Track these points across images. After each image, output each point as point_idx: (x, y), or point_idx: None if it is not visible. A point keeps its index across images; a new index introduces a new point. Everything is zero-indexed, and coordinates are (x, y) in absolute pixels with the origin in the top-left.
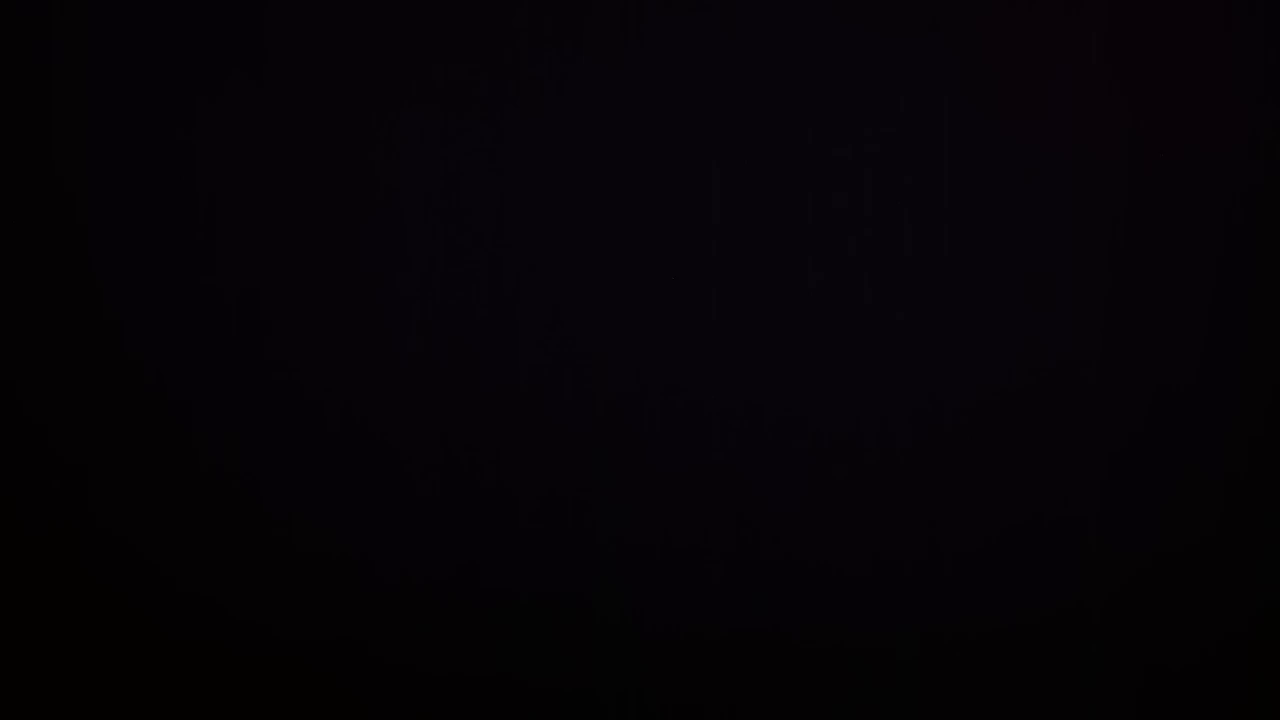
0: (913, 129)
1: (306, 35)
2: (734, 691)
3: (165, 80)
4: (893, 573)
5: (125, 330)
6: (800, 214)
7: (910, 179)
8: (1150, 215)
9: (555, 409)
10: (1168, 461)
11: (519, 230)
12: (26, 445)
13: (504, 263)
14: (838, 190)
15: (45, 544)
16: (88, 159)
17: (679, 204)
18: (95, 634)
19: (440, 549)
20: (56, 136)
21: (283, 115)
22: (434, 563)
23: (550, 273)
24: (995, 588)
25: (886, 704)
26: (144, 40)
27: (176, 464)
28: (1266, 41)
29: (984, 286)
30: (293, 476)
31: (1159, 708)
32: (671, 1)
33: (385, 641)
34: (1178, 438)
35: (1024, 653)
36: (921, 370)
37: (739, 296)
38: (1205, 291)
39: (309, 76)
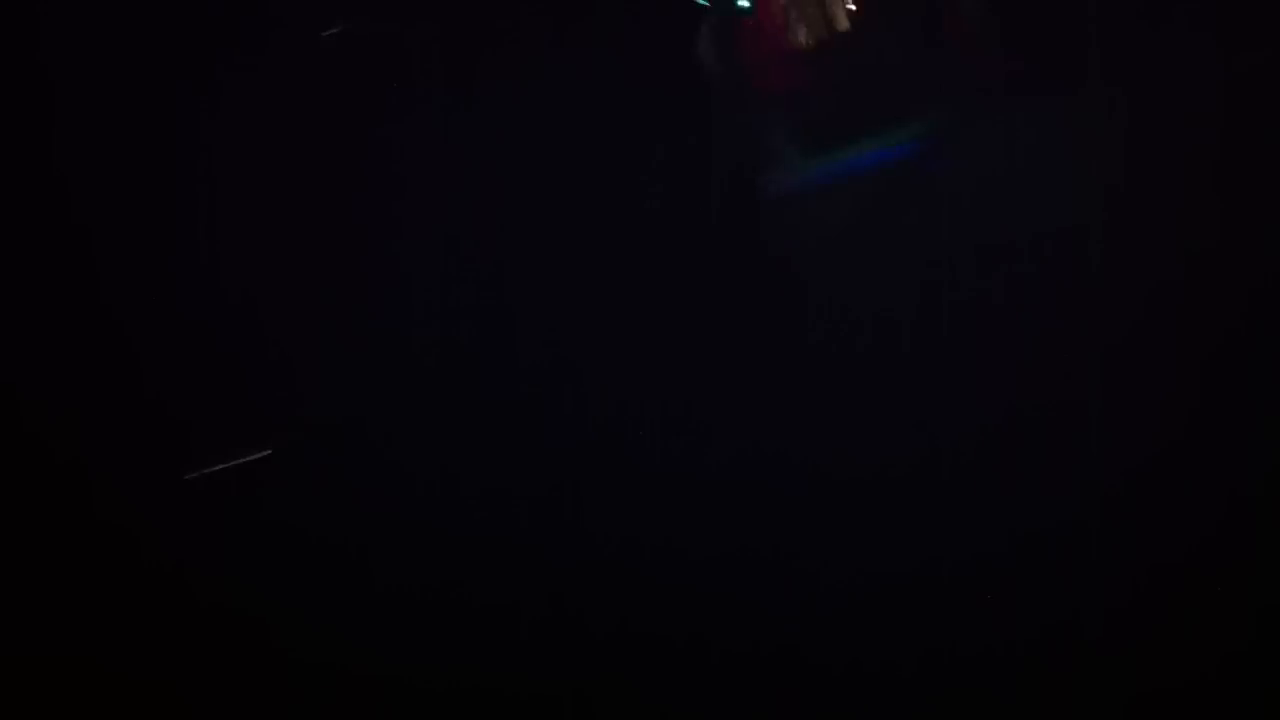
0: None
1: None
2: (730, 707)
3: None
4: (892, 591)
5: (125, 333)
6: (805, 231)
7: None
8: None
9: (553, 420)
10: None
11: (519, 237)
12: (26, 446)
13: (504, 270)
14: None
15: (45, 544)
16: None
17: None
18: (95, 633)
19: (435, 558)
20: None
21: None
22: (429, 573)
23: (550, 282)
24: (995, 607)
25: None
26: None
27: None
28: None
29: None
30: (289, 478)
31: None
32: None
33: (379, 648)
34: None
35: (1022, 672)
36: (925, 395)
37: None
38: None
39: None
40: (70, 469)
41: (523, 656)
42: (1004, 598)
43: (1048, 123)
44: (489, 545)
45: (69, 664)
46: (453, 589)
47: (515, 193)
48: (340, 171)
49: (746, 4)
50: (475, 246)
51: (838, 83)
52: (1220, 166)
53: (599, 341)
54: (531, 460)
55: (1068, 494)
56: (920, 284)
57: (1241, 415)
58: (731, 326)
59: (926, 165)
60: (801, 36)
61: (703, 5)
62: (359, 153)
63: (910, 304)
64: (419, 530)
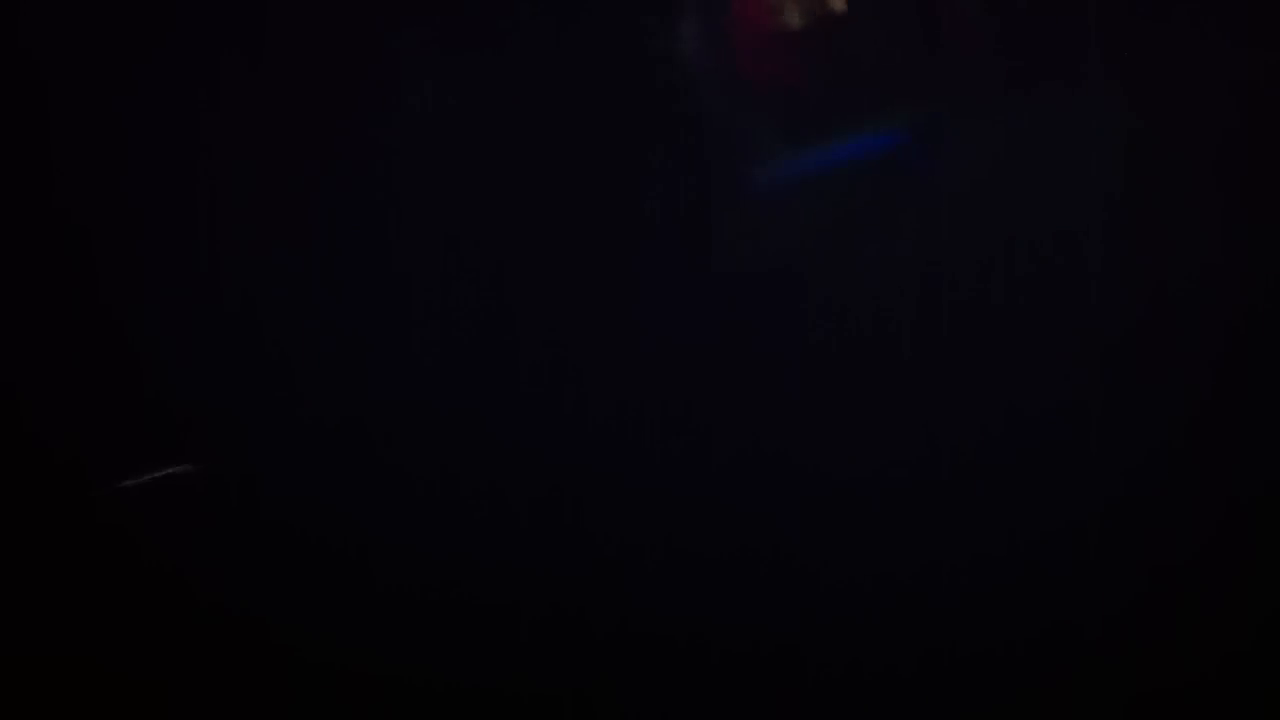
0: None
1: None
2: (731, 709)
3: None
4: (893, 592)
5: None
6: (803, 230)
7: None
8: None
9: (552, 420)
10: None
11: (517, 237)
12: (25, 441)
13: (503, 270)
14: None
15: (38, 544)
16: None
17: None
18: (89, 633)
19: (433, 558)
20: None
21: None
22: (427, 574)
23: (548, 282)
24: (996, 608)
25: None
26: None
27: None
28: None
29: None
30: (286, 479)
31: None
32: None
33: (378, 649)
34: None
35: (1022, 674)
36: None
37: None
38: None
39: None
40: (64, 468)
41: (522, 658)
42: (1006, 600)
43: (1049, 120)
44: (488, 545)
45: (63, 665)
46: (450, 590)
47: (514, 192)
48: (335, 170)
49: None
50: (473, 246)
51: (831, 71)
52: (1224, 167)
53: (597, 342)
54: (530, 460)
55: (1069, 496)
56: (920, 284)
57: (1245, 418)
58: (731, 326)
59: (925, 162)
60: (792, 19)
61: None
62: (355, 151)
63: (910, 304)
64: (417, 531)
